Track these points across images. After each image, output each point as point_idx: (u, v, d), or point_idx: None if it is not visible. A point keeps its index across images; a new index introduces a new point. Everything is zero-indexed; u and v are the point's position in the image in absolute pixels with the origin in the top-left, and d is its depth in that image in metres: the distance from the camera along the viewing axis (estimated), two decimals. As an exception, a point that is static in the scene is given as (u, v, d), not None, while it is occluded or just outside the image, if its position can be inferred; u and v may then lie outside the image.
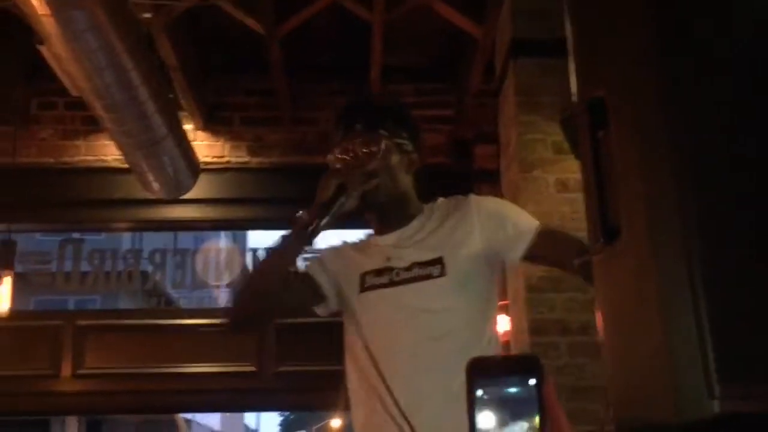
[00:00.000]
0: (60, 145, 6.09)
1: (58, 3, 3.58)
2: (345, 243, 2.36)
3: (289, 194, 6.22)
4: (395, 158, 2.21)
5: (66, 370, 6.15)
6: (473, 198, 2.25)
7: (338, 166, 2.19)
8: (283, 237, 2.17)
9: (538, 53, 4.37)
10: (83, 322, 6.33)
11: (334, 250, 2.34)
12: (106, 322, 6.52)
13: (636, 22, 1.79)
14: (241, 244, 8.20)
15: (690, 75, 1.72)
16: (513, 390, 0.86)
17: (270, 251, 2.28)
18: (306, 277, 2.28)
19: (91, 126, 5.91)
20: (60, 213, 6.23)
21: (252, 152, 6.17)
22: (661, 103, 1.74)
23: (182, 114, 5.70)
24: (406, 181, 2.25)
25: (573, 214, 4.22)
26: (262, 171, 6.18)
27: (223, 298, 12.44)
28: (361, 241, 2.35)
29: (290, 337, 6.14)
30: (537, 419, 0.85)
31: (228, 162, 6.16)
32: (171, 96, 5.25)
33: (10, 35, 5.30)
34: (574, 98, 1.98)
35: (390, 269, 2.16)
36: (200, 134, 6.13)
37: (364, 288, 2.18)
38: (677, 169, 1.70)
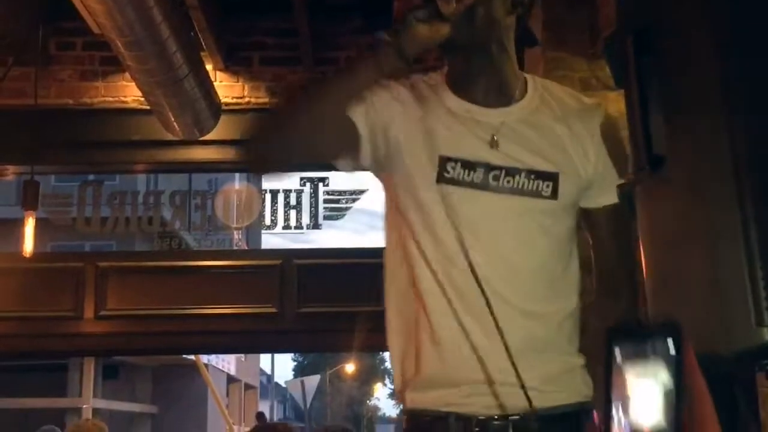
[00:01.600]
0: (79, 86, 6.05)
1: (80, -63, 3.53)
2: (425, 79, 1.81)
3: (309, 135, 6.19)
4: (513, 14, 1.76)
5: (88, 311, 6.20)
6: (601, 114, 1.84)
7: None
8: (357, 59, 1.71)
9: (566, -13, 4.30)
10: (105, 264, 6.36)
11: (404, 88, 1.78)
12: (128, 264, 6.55)
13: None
14: (256, 185, 8.17)
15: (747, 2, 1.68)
16: (652, 356, 0.84)
17: (336, 73, 1.79)
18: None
19: (110, 66, 5.87)
20: (80, 154, 6.23)
21: (272, 93, 6.12)
22: (712, 27, 1.70)
23: (202, 54, 5.65)
24: (508, 23, 1.77)
25: (600, 152, 4.18)
26: (283, 111, 6.13)
27: (240, 240, 12.46)
28: (438, 88, 1.79)
29: (312, 277, 6.17)
30: (675, 387, 0.83)
31: (248, 102, 6.12)
32: (192, 34, 5.20)
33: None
34: (618, 23, 1.94)
35: (488, 166, 1.68)
36: (219, 75, 6.09)
37: (444, 178, 1.68)
38: (728, 95, 1.67)
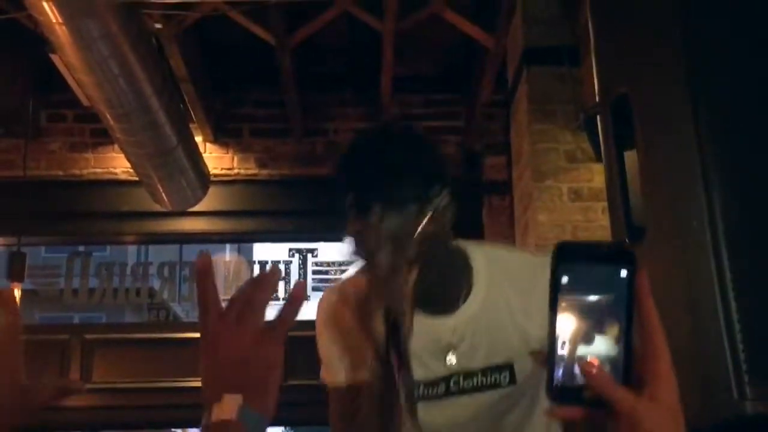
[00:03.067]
0: (69, 158, 6.08)
1: (70, 11, 3.57)
2: (334, 320, 1.84)
3: (299, 206, 6.22)
4: (434, 227, 1.63)
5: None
6: (546, 268, 1.75)
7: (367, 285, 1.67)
8: None
9: (550, 61, 4.36)
10: (91, 336, 6.29)
11: (348, 332, 1.78)
12: (114, 336, 6.48)
13: (660, 19, 1.78)
14: (246, 256, 8.16)
15: (717, 68, 1.70)
16: (601, 281, 0.79)
17: None
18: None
19: (101, 138, 5.91)
20: (69, 226, 6.22)
21: (261, 164, 6.16)
22: (689, 99, 1.72)
23: (192, 126, 5.69)
24: (449, 242, 1.73)
25: (586, 223, 4.19)
26: (272, 183, 6.16)
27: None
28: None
29: (299, 350, 6.08)
30: (625, 316, 0.79)
31: (237, 174, 6.15)
32: (181, 107, 5.24)
33: (20, 48, 5.30)
34: (596, 98, 1.97)
35: (446, 379, 1.74)
36: (209, 146, 6.12)
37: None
38: (706, 168, 1.68)
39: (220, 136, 6.16)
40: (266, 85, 6.04)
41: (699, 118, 1.65)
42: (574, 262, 0.81)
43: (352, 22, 5.04)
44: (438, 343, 1.73)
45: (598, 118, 1.88)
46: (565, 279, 0.81)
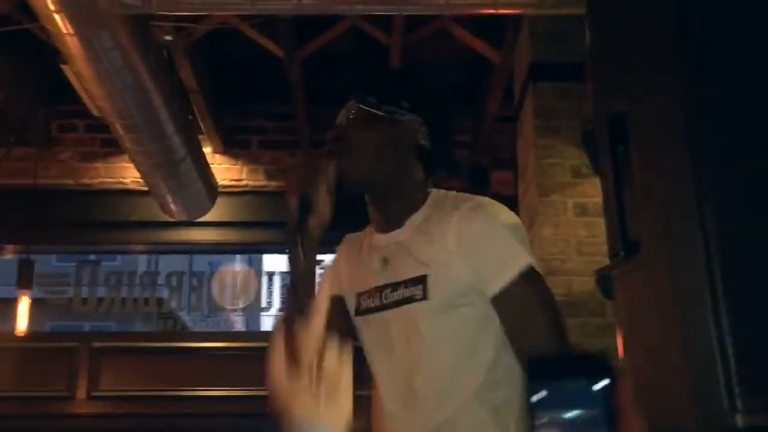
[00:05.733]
0: (80, 167, 6.14)
1: (82, 23, 3.63)
2: (342, 245, 2.01)
3: (306, 218, 6.26)
4: (376, 132, 1.84)
5: (81, 392, 6.15)
6: (465, 209, 1.77)
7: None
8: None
9: (556, 77, 4.38)
10: (99, 344, 6.33)
11: (332, 267, 1.99)
12: (122, 344, 6.52)
13: (656, 36, 1.80)
14: (256, 267, 8.20)
15: (713, 87, 1.73)
16: (579, 395, 0.77)
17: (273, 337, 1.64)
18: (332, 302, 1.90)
19: (111, 148, 5.96)
20: (79, 234, 6.27)
21: (270, 176, 6.21)
22: (683, 117, 1.74)
23: (201, 137, 5.74)
24: (396, 160, 1.83)
25: (591, 239, 4.21)
26: (280, 194, 6.17)
27: (238, 322, 12.43)
28: (363, 236, 1.96)
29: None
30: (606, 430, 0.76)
31: (246, 185, 6.19)
32: (190, 118, 5.29)
33: (32, 58, 5.36)
34: (595, 113, 1.99)
35: (381, 289, 1.83)
36: (219, 157, 6.18)
37: (359, 311, 1.89)
38: (699, 185, 1.70)
39: (230, 148, 6.21)
40: (275, 98, 6.09)
41: (695, 139, 1.68)
42: (548, 379, 0.78)
43: (361, 35, 5.09)
44: (379, 256, 1.85)
45: (595, 133, 1.90)
46: (540, 396, 0.78)
